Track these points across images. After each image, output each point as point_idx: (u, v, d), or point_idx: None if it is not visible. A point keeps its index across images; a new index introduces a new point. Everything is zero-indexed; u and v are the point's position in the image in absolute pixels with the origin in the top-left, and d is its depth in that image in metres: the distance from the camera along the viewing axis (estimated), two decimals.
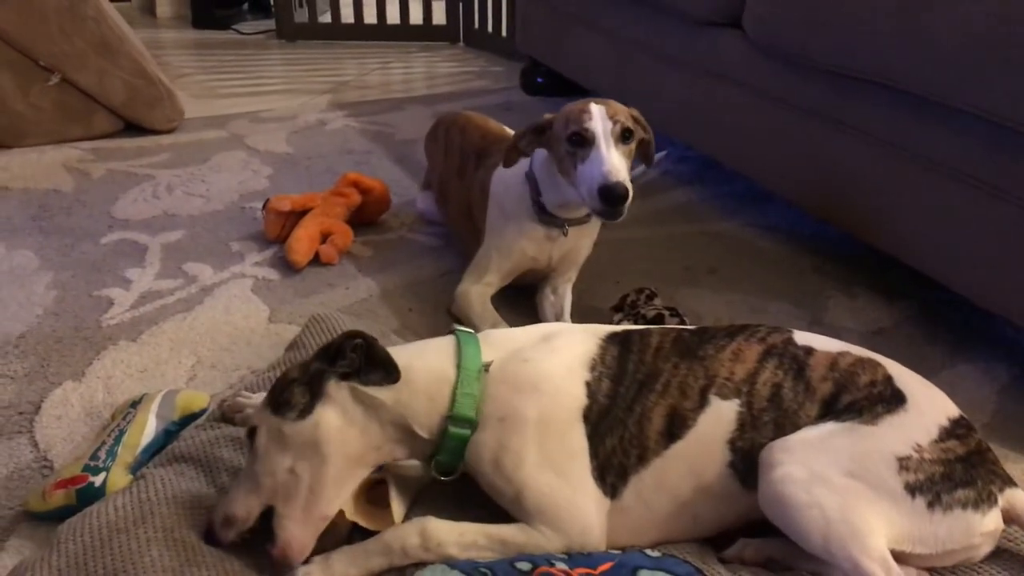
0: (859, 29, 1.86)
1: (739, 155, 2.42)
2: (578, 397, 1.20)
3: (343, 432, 1.15)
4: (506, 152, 1.76)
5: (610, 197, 1.56)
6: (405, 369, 1.18)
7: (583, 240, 1.90)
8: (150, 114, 3.02)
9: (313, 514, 1.13)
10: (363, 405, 1.17)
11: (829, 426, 1.16)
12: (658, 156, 2.69)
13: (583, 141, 1.61)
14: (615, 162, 1.58)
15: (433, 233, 2.32)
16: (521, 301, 1.94)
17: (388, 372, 1.17)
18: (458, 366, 1.20)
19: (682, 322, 1.70)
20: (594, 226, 1.89)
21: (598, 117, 1.61)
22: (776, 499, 1.10)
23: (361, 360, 1.16)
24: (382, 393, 1.17)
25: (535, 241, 1.83)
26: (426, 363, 1.22)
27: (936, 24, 1.67)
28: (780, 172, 2.26)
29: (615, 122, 1.61)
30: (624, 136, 1.63)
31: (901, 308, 1.99)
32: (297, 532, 1.12)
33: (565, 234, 1.82)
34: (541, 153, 1.78)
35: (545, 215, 1.80)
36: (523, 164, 1.83)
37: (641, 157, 1.80)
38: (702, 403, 1.20)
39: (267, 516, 1.15)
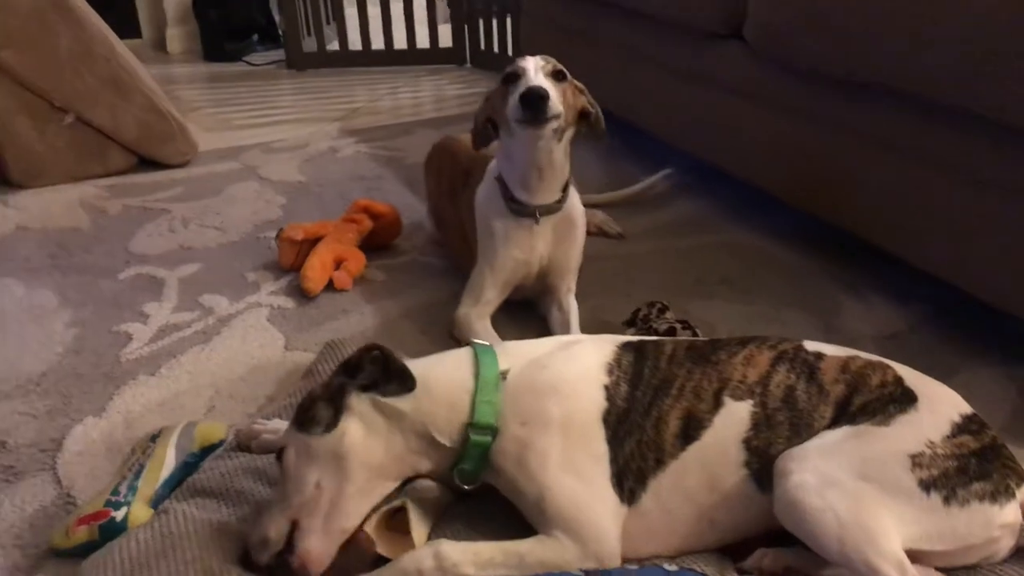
0: (862, 36, 1.86)
1: (747, 164, 2.43)
2: (598, 400, 1.22)
3: (367, 443, 1.18)
4: (472, 135, 1.90)
5: (529, 97, 1.64)
6: (424, 379, 1.21)
7: (564, 242, 1.90)
8: (163, 149, 3.07)
9: (333, 527, 1.16)
10: (384, 416, 1.20)
11: (843, 431, 1.17)
12: (661, 174, 2.70)
13: (515, 78, 1.71)
14: (540, 80, 1.68)
15: (445, 255, 2.33)
16: (526, 323, 1.94)
17: (404, 381, 1.20)
18: (476, 375, 1.23)
19: (694, 334, 1.70)
20: (569, 221, 1.89)
21: (529, 59, 1.73)
22: (791, 506, 1.10)
23: (379, 371, 1.20)
24: (402, 403, 1.20)
25: (517, 240, 1.85)
26: (445, 372, 1.25)
27: (943, 28, 1.67)
28: (788, 179, 2.26)
29: (547, 62, 1.73)
30: (556, 75, 1.73)
31: (915, 311, 1.98)
32: (316, 543, 1.15)
33: (537, 222, 1.83)
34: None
35: (514, 204, 1.83)
36: (497, 171, 1.88)
37: (590, 134, 1.89)
38: (716, 405, 1.22)
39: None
